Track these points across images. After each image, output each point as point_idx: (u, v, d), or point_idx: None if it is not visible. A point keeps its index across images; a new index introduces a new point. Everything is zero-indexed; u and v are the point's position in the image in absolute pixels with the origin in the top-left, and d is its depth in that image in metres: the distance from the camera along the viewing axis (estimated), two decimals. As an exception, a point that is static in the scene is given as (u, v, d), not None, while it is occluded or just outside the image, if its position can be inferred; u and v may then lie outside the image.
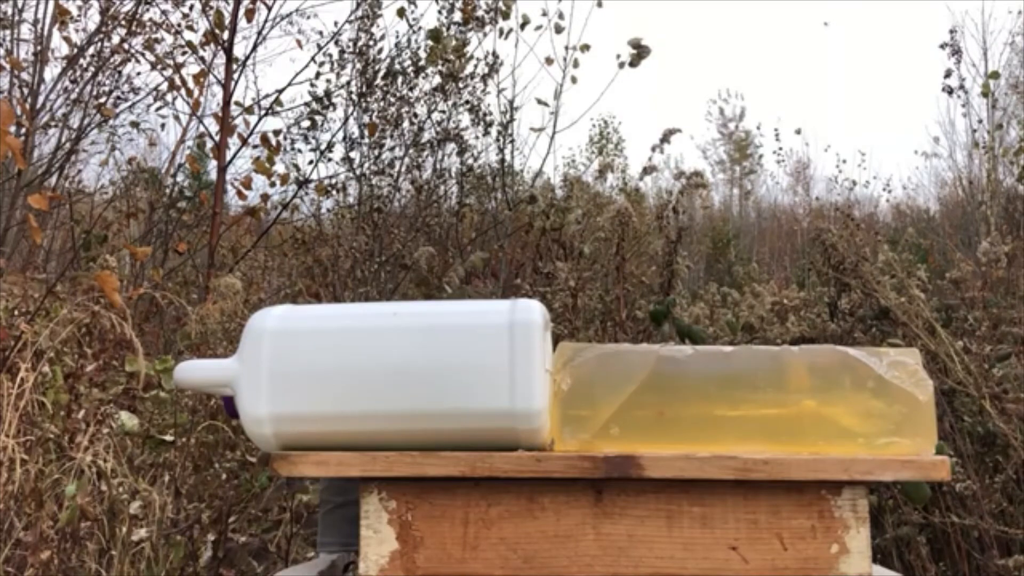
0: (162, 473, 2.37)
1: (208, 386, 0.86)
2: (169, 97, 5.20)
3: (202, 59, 4.77)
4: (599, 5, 4.16)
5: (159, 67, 5.10)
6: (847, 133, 27.20)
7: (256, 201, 4.80)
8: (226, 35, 4.63)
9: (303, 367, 0.80)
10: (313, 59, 4.63)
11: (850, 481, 0.82)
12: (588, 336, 3.19)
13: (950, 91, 5.35)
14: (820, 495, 0.82)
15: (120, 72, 5.55)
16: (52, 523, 2.08)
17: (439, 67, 4.40)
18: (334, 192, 4.74)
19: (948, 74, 5.24)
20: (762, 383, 0.79)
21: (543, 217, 3.64)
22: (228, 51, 4.63)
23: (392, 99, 4.50)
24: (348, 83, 4.59)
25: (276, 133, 4.67)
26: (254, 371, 0.80)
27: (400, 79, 4.51)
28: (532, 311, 0.80)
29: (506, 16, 4.26)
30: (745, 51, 29.75)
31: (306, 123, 4.66)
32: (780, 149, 14.75)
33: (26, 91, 5.68)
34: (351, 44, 4.59)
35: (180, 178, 5.64)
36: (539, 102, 4.21)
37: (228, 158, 4.63)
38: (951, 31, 5.32)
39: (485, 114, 4.42)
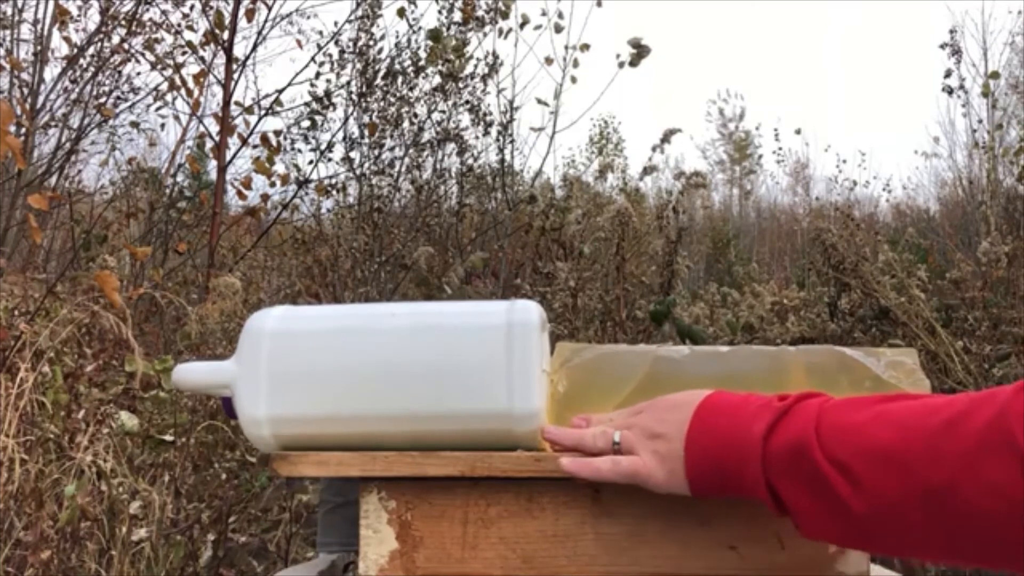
0: (162, 473, 2.37)
1: (206, 387, 0.86)
2: (169, 97, 5.21)
3: (202, 59, 4.78)
4: (599, 5, 4.16)
5: (159, 67, 5.11)
6: (847, 133, 27.25)
7: (256, 201, 4.81)
8: (226, 35, 4.63)
9: (302, 368, 0.80)
10: (313, 59, 4.63)
11: (848, 481, 0.82)
12: (588, 336, 3.19)
13: (950, 91, 5.35)
14: (818, 495, 0.82)
15: (120, 72, 5.56)
16: (52, 523, 2.08)
17: (439, 67, 4.40)
18: (334, 192, 4.74)
19: (948, 74, 5.24)
20: (759, 383, 0.79)
21: (543, 217, 3.65)
22: (228, 51, 4.64)
23: (392, 99, 4.50)
24: (348, 83, 4.60)
25: (276, 133, 4.67)
26: (253, 372, 0.80)
27: (400, 79, 4.51)
28: (529, 312, 0.80)
29: (506, 16, 4.26)
30: (745, 51, 29.80)
31: (306, 123, 4.66)
32: (780, 149, 14.75)
33: (26, 91, 5.68)
34: (351, 44, 4.59)
35: (180, 178, 5.64)
36: (539, 102, 4.22)
37: (228, 158, 4.64)
38: (951, 31, 5.31)
39: (485, 114, 4.42)
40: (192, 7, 4.88)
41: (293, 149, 4.72)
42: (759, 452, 0.66)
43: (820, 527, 0.66)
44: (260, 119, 4.73)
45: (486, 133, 4.43)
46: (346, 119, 4.61)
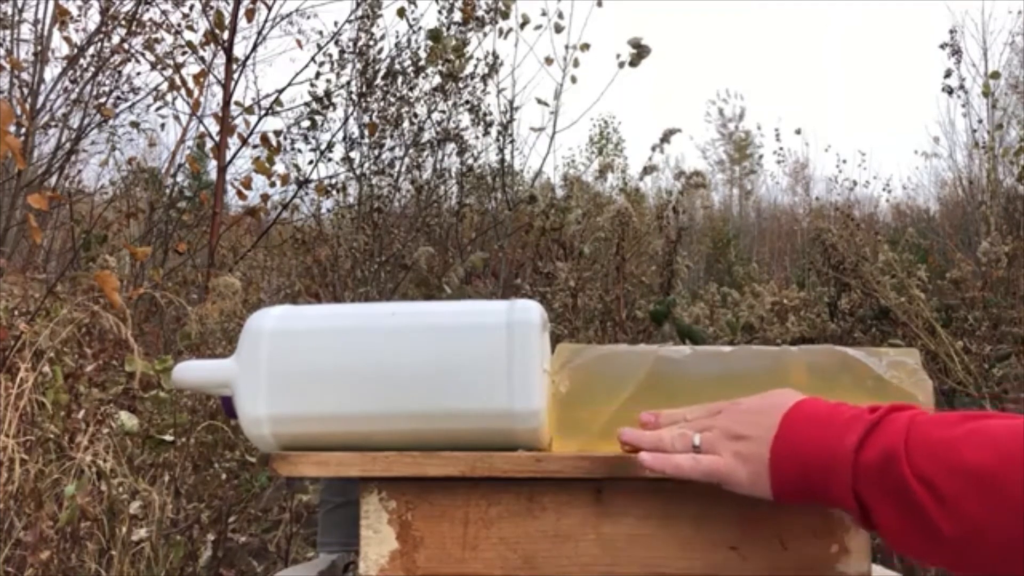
0: (162, 473, 2.37)
1: (206, 386, 0.86)
2: (169, 97, 5.21)
3: (202, 59, 4.78)
4: (599, 5, 4.16)
5: (159, 67, 5.10)
6: (847, 133, 27.22)
7: (256, 201, 4.80)
8: (226, 35, 4.63)
9: (301, 367, 0.80)
10: (313, 59, 4.63)
11: (850, 481, 0.82)
12: (588, 336, 3.18)
13: (950, 91, 5.35)
14: (820, 495, 0.81)
15: (120, 72, 5.55)
16: (52, 523, 2.08)
17: (439, 67, 4.40)
18: (334, 192, 4.74)
19: (948, 74, 5.24)
20: (761, 383, 0.78)
21: (543, 217, 3.65)
22: (228, 51, 4.63)
23: (392, 99, 4.50)
24: (348, 83, 4.59)
25: (276, 133, 4.67)
26: (252, 371, 0.80)
27: (400, 79, 4.51)
28: (530, 311, 0.80)
29: (506, 16, 4.26)
30: (745, 51, 29.82)
31: (306, 123, 4.66)
32: (780, 149, 14.73)
33: (26, 91, 5.68)
34: (351, 44, 4.59)
35: (180, 178, 5.64)
36: (539, 102, 4.22)
37: (228, 158, 4.63)
38: (951, 31, 5.31)
39: (485, 114, 4.42)
40: (192, 7, 4.88)
41: (293, 149, 4.72)
42: (850, 464, 0.65)
43: (906, 543, 0.65)
44: (260, 119, 4.73)
45: (486, 133, 4.43)
46: (346, 119, 4.61)
